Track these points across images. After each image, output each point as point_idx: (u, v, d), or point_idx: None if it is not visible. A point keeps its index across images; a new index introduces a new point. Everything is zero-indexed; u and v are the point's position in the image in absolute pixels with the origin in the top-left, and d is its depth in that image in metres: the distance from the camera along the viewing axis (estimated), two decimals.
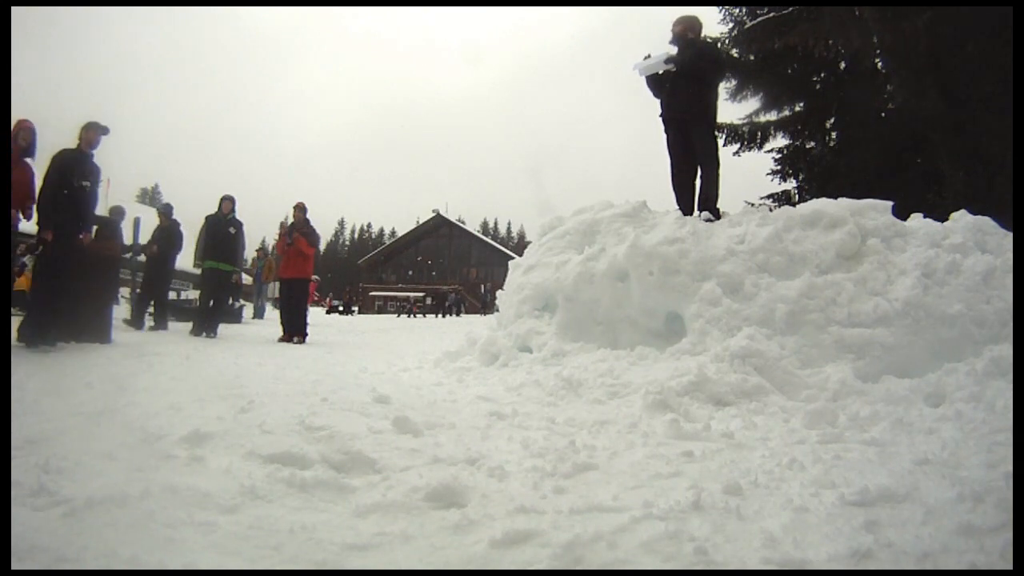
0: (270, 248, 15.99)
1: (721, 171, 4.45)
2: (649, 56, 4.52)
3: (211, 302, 7.56)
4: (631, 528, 1.42)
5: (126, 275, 9.88)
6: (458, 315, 25.75)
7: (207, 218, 7.81)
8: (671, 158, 4.54)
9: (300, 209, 8.15)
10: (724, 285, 3.62)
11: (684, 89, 4.34)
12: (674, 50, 4.45)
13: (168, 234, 8.02)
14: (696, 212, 4.38)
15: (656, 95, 4.59)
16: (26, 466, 1.64)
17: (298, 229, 8.08)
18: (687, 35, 4.49)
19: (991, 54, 7.02)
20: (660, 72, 4.46)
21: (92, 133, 4.98)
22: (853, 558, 1.27)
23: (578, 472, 1.87)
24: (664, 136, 4.57)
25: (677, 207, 4.53)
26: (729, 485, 1.68)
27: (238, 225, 7.75)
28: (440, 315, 25.20)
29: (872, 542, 1.31)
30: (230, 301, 9.53)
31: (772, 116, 10.56)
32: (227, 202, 7.76)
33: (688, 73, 4.32)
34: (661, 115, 4.55)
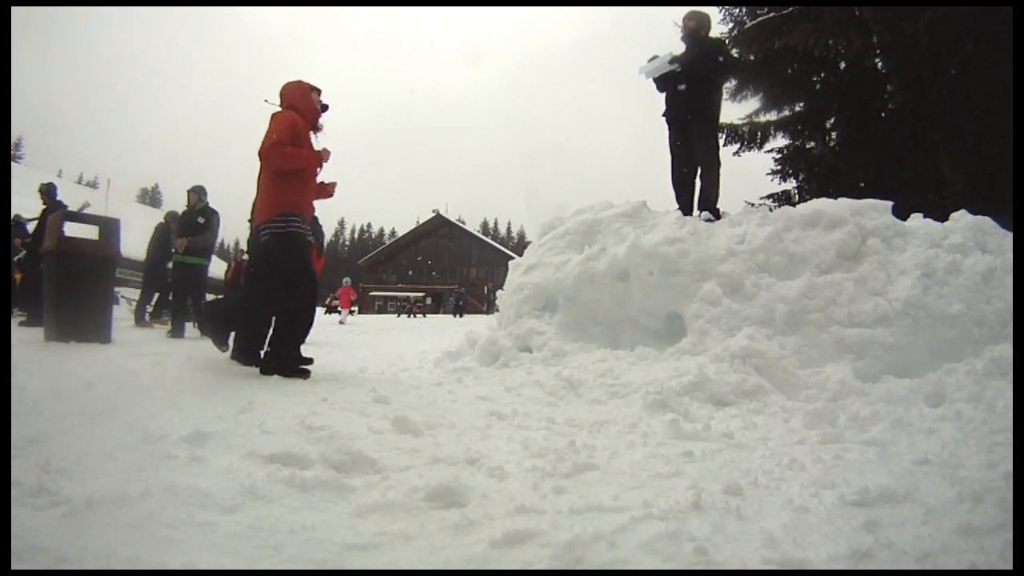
0: None
1: (721, 171, 4.45)
2: (655, 57, 4.49)
3: (187, 300, 7.15)
4: (631, 528, 1.42)
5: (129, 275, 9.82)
6: (461, 315, 25.93)
7: (182, 213, 7.42)
8: (672, 157, 4.53)
9: None
10: (724, 285, 3.62)
11: (688, 88, 4.33)
12: (678, 50, 4.43)
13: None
14: (696, 212, 4.38)
15: (663, 91, 4.58)
16: (26, 466, 1.64)
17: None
18: (699, 32, 4.46)
19: (991, 54, 7.02)
20: (666, 72, 4.43)
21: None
22: (853, 558, 1.27)
23: (578, 472, 1.87)
24: (667, 135, 4.57)
25: (677, 206, 4.53)
26: (729, 485, 1.68)
27: (209, 214, 7.20)
28: (457, 315, 25.47)
29: (872, 542, 1.31)
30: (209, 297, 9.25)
31: (772, 116, 10.57)
32: (192, 194, 7.31)
33: (693, 73, 4.31)
34: (664, 114, 4.54)
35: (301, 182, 3.47)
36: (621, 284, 3.99)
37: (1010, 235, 3.67)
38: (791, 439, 2.26)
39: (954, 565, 1.23)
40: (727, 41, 9.78)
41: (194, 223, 7.14)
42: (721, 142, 10.01)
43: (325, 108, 3.91)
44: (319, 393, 2.90)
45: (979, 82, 7.43)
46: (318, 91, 3.72)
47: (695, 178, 4.48)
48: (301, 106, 3.58)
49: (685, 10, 4.61)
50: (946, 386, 2.72)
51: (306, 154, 3.45)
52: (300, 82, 3.69)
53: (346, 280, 18.13)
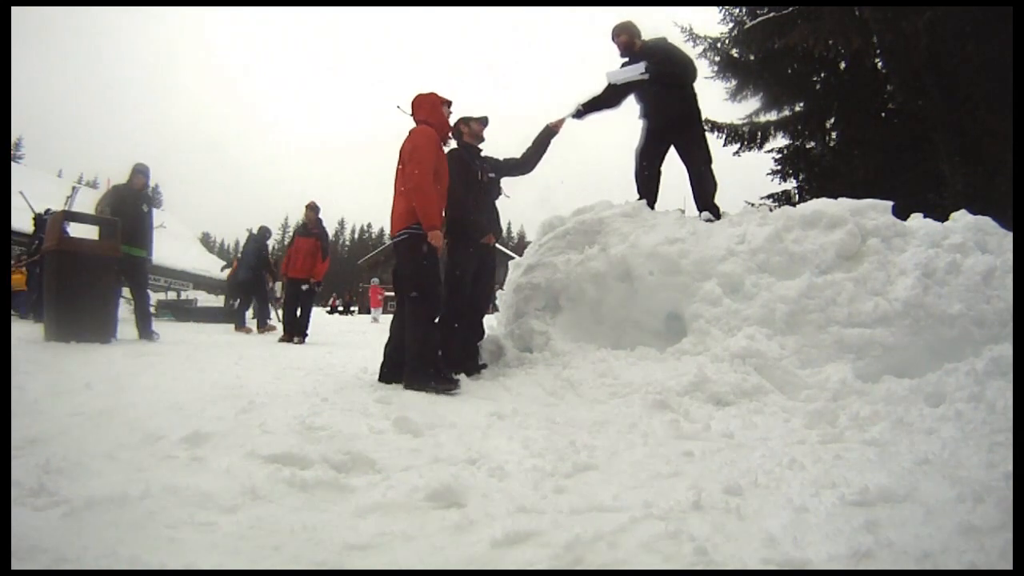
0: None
1: (720, 172, 4.44)
2: (626, 64, 4.42)
3: (147, 298, 6.45)
4: (631, 528, 1.42)
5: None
6: None
7: (115, 188, 6.43)
8: (644, 159, 4.50)
9: (312, 209, 8.06)
10: (724, 285, 3.61)
11: (667, 97, 4.28)
12: (630, 63, 4.36)
13: None
14: (697, 212, 4.38)
15: (612, 104, 4.53)
16: (26, 466, 1.64)
17: (311, 230, 8.04)
18: (634, 43, 4.42)
19: (991, 54, 7.02)
20: (633, 81, 4.36)
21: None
22: (853, 558, 1.27)
23: (578, 472, 1.87)
24: (643, 139, 4.52)
25: (638, 195, 4.53)
26: (729, 485, 1.68)
27: (150, 202, 6.56)
28: None
29: (872, 542, 1.31)
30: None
31: (772, 116, 10.54)
32: (139, 175, 6.38)
33: (666, 81, 4.26)
34: (648, 124, 4.47)
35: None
36: (621, 284, 3.99)
37: (1010, 235, 3.67)
38: (791, 439, 2.26)
39: (954, 565, 1.24)
40: (727, 41, 9.79)
41: (138, 209, 6.25)
42: (720, 142, 10.05)
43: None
44: (320, 393, 2.91)
45: (979, 82, 7.43)
46: (448, 103, 3.74)
47: (659, 177, 4.54)
48: (435, 121, 3.64)
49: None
50: (946, 386, 2.72)
51: (436, 210, 3.50)
52: (433, 95, 3.70)
53: (375, 280, 20.60)
